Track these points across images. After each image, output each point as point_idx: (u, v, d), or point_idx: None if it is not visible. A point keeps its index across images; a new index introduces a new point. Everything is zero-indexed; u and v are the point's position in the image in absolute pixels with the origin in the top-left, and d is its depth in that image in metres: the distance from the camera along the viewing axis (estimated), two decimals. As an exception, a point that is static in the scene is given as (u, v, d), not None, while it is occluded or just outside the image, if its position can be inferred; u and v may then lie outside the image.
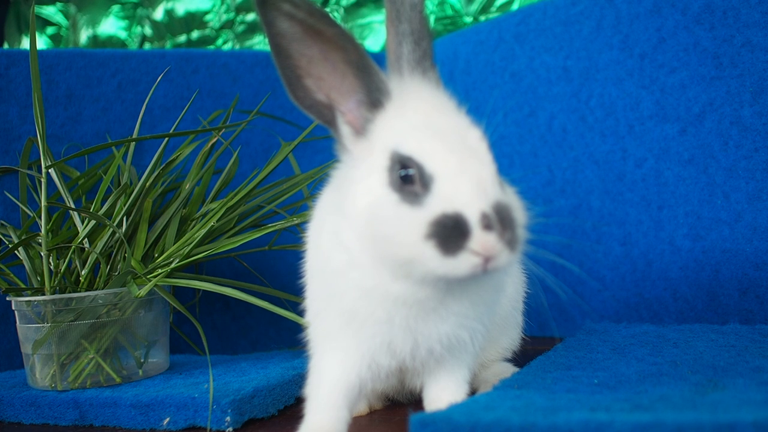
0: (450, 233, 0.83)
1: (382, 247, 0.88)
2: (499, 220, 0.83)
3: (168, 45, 2.96)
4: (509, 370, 1.25)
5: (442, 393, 1.04)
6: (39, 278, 1.39)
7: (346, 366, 0.98)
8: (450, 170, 0.86)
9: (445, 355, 1.00)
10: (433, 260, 0.83)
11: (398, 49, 0.96)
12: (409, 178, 0.87)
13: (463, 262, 0.83)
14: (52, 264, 1.39)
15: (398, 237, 0.85)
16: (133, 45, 3.08)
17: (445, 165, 0.86)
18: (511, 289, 1.24)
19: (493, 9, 2.27)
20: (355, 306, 0.94)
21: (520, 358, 1.31)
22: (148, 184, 1.45)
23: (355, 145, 0.94)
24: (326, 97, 0.94)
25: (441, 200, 0.84)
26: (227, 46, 2.80)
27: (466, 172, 0.85)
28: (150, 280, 1.32)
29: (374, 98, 0.93)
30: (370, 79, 0.92)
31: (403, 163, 0.87)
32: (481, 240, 0.82)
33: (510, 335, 1.28)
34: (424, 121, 0.90)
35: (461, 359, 1.03)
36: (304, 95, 0.94)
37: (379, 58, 2.40)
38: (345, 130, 0.95)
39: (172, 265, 1.35)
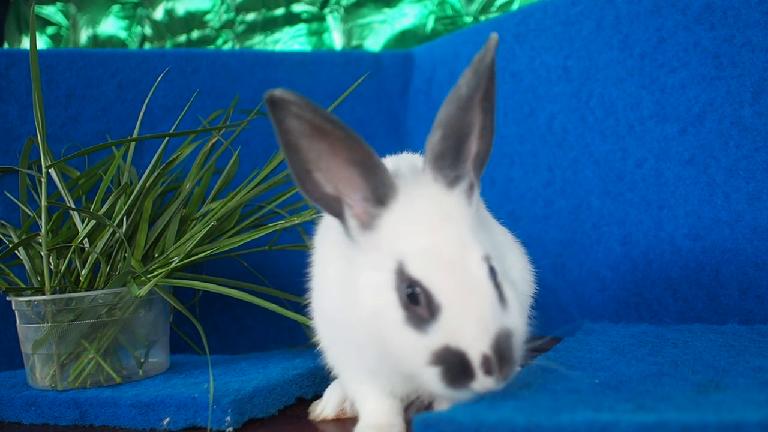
0: (454, 370, 0.87)
1: (383, 348, 0.93)
2: (499, 360, 0.87)
3: (168, 45, 2.96)
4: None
5: None
6: (39, 278, 1.39)
7: (376, 389, 1.05)
8: (456, 306, 0.88)
9: None
10: (435, 385, 0.89)
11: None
12: (415, 298, 0.89)
13: (465, 394, 0.88)
14: (52, 264, 1.39)
15: (401, 354, 0.90)
16: (133, 45, 3.08)
17: (451, 299, 0.88)
18: (525, 287, 1.24)
19: (493, 9, 2.27)
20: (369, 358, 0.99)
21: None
22: (148, 184, 1.45)
23: (361, 237, 0.95)
24: (334, 190, 0.95)
25: (446, 333, 0.87)
26: (227, 46, 2.81)
27: (470, 310, 0.88)
28: (150, 280, 1.32)
29: (379, 195, 0.94)
30: (375, 177, 0.93)
31: (410, 283, 0.89)
32: (482, 382, 0.87)
33: None
34: (429, 243, 0.91)
35: None
36: (313, 188, 0.95)
37: (380, 57, 2.41)
38: (352, 222, 0.96)
39: (173, 265, 1.35)
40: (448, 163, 0.93)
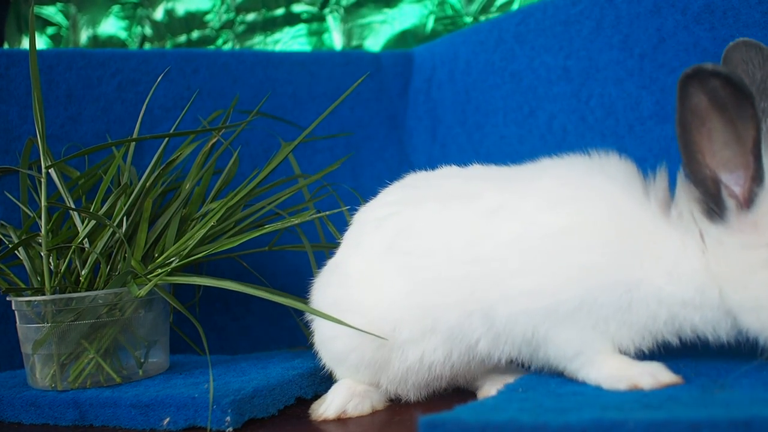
0: None
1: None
2: None
3: (168, 45, 2.96)
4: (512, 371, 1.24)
5: None
6: (39, 278, 1.39)
7: (444, 349, 1.09)
8: None
9: None
10: None
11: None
12: None
13: None
14: (52, 264, 1.39)
15: None
16: (133, 45, 3.08)
17: None
18: None
19: (493, 9, 2.27)
20: (639, 311, 1.00)
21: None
22: (148, 184, 1.45)
23: (737, 217, 0.96)
24: (711, 171, 0.95)
25: None
26: (227, 46, 2.81)
27: None
28: (150, 280, 1.32)
29: (762, 174, 0.93)
30: (760, 155, 0.92)
31: None
32: None
33: None
34: None
35: None
36: (696, 169, 0.96)
37: (380, 57, 2.40)
38: (729, 203, 0.96)
39: (173, 265, 1.35)
40: None
